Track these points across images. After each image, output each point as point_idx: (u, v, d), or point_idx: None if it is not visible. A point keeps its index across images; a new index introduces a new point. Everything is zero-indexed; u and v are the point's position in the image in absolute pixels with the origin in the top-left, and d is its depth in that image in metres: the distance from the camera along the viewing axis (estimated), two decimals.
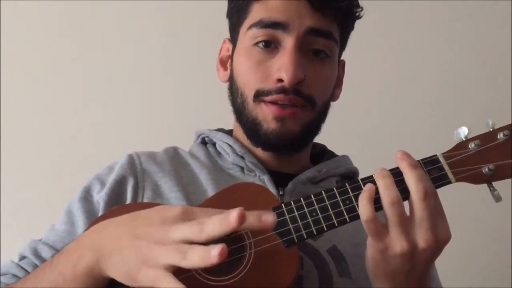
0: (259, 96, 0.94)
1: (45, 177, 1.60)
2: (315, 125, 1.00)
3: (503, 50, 1.71)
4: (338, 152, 1.10)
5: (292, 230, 0.77)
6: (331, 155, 1.09)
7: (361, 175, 0.81)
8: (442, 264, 0.97)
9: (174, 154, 1.04)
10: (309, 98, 0.94)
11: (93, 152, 1.58)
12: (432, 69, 1.72)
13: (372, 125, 1.69)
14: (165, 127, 1.64)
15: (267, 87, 0.93)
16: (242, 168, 1.00)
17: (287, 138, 0.95)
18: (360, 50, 1.07)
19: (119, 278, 0.68)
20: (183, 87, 1.67)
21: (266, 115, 0.94)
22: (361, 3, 1.00)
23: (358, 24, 1.03)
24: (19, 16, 1.66)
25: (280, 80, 0.92)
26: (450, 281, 1.11)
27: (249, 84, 0.95)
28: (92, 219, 0.87)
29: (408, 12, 1.73)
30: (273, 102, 0.93)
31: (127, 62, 1.67)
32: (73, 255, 0.72)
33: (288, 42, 0.92)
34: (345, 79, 1.07)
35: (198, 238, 0.65)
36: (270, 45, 0.94)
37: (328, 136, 1.04)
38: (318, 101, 0.96)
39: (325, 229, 0.77)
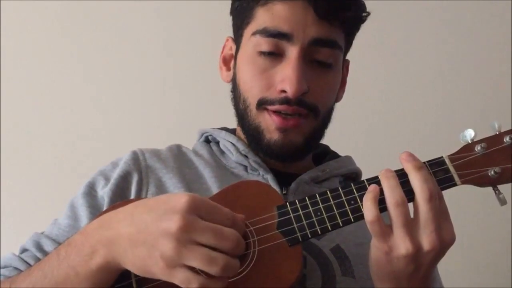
0: (262, 104, 0.94)
1: (45, 176, 1.59)
2: (319, 133, 1.00)
3: (505, 50, 1.71)
4: (342, 152, 1.10)
5: (297, 229, 0.77)
6: (334, 155, 1.09)
7: (366, 176, 0.81)
8: (443, 265, 0.97)
9: (177, 152, 1.04)
10: (312, 107, 0.94)
11: (94, 152, 1.58)
12: (437, 69, 1.71)
13: (376, 125, 1.68)
14: (167, 126, 1.63)
15: (271, 96, 0.93)
16: (245, 167, 0.99)
17: (290, 149, 0.95)
18: (364, 50, 1.06)
19: (136, 271, 0.70)
20: (186, 85, 1.67)
21: (269, 124, 0.94)
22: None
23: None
24: (19, 16, 1.65)
25: (284, 91, 0.91)
26: (451, 281, 1.10)
27: (252, 92, 0.94)
28: (96, 214, 0.86)
29: (410, 12, 1.72)
30: (276, 112, 0.92)
31: (128, 60, 1.67)
32: (84, 250, 0.72)
33: (292, 52, 0.91)
34: (349, 80, 1.07)
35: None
36: (274, 54, 0.93)
37: (331, 136, 1.04)
38: (322, 110, 0.96)
39: (330, 228, 0.77)
